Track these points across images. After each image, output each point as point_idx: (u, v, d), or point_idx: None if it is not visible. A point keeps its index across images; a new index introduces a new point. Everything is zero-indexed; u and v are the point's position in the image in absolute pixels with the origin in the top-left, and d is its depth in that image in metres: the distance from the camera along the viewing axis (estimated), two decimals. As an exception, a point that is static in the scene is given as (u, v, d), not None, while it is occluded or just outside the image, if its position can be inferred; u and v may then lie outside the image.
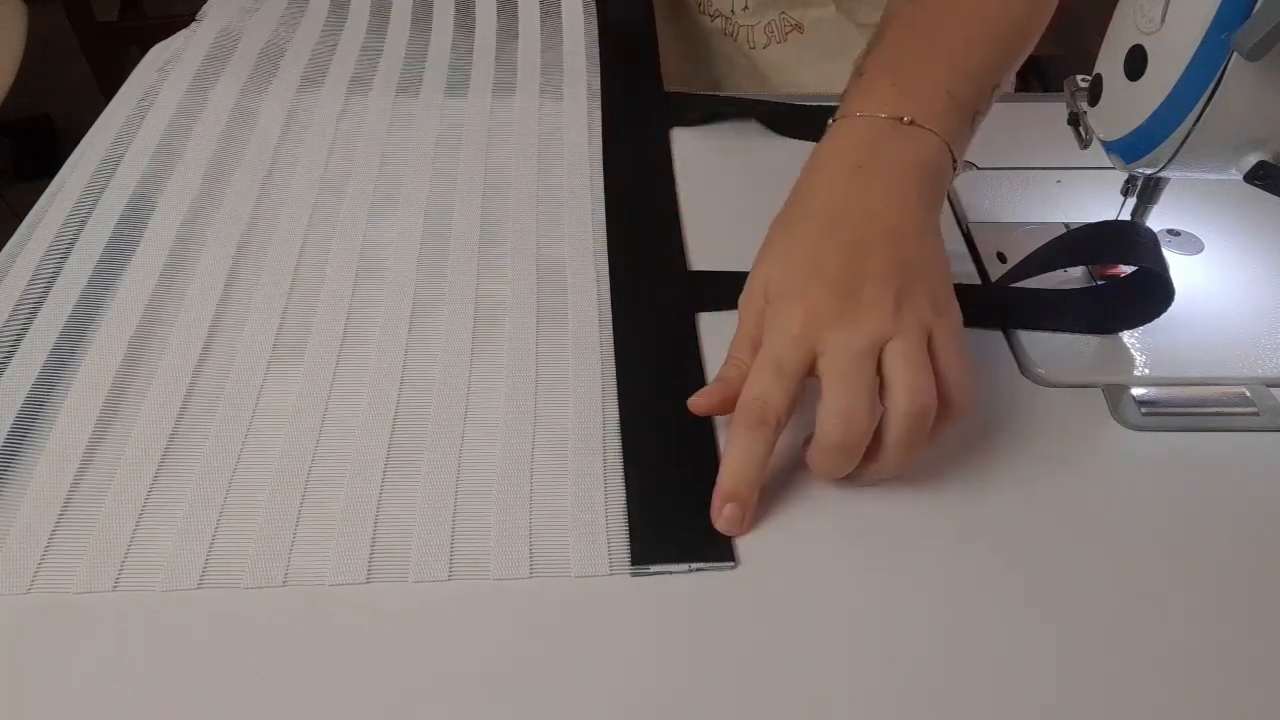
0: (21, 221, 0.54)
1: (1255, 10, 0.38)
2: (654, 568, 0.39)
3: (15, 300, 0.48)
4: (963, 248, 0.55)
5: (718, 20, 0.71)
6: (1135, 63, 0.44)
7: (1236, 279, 0.53)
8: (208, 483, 0.41)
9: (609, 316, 0.50)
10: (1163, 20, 0.42)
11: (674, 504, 0.41)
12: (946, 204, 0.58)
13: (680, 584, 0.39)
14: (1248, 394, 0.47)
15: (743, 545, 0.40)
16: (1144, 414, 0.46)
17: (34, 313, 0.48)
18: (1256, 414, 0.46)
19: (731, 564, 0.39)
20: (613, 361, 0.47)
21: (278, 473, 0.42)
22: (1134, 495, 0.43)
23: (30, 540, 0.39)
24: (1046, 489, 0.43)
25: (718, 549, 0.40)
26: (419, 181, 0.57)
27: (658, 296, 0.51)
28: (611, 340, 0.48)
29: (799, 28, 0.72)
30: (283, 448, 0.43)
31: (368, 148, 0.59)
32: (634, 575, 0.39)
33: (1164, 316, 0.50)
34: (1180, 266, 0.54)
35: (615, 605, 0.38)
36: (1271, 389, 0.47)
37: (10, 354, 0.46)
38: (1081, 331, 0.49)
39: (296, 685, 0.35)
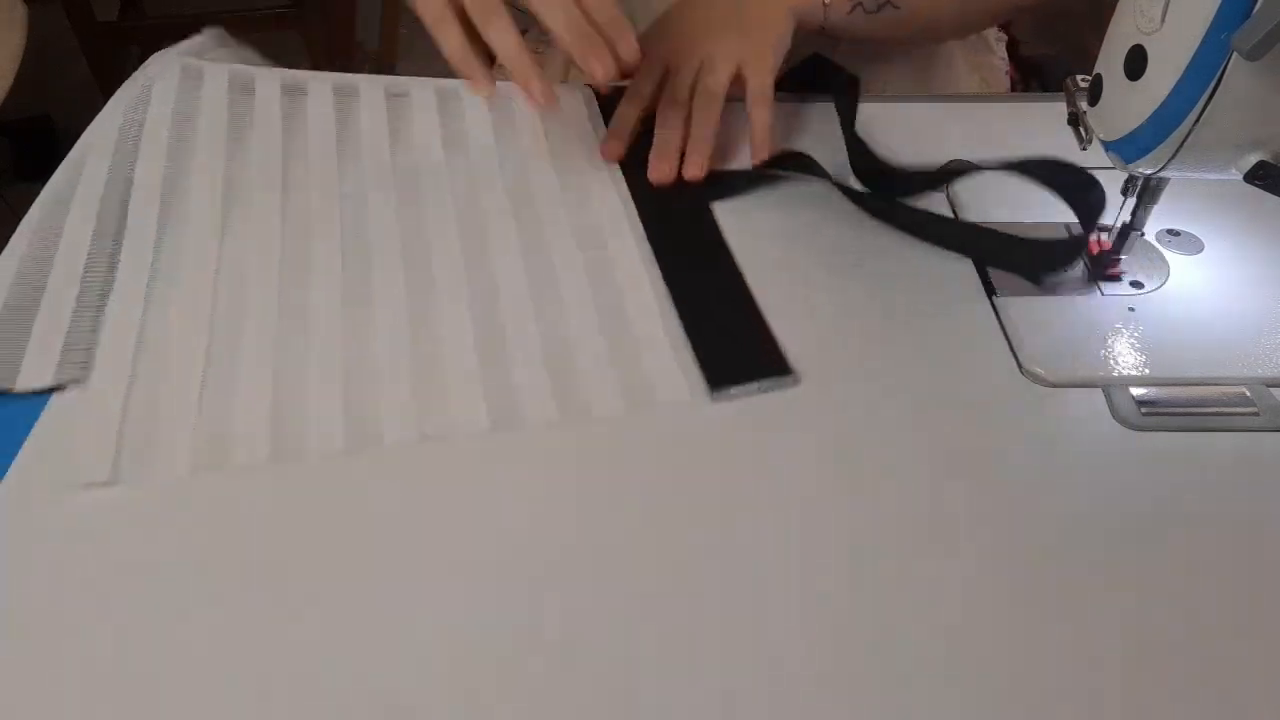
0: (21, 222, 0.54)
1: (1255, 10, 0.38)
2: (732, 390, 0.46)
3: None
4: (962, 248, 0.55)
5: None
6: (1135, 63, 0.44)
7: (1236, 279, 0.53)
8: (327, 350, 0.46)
9: (633, 207, 0.56)
10: (1163, 20, 0.42)
11: (727, 338, 0.48)
12: (946, 204, 0.58)
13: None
14: (1248, 394, 0.47)
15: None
16: (1144, 414, 0.46)
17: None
18: (1256, 414, 0.46)
19: (792, 376, 0.46)
20: (644, 234, 0.54)
21: (392, 340, 0.47)
22: (1134, 495, 0.43)
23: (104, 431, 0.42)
24: (1046, 489, 0.43)
25: (779, 368, 0.47)
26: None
27: (676, 187, 0.58)
28: (638, 216, 0.55)
29: None
30: (391, 321, 0.48)
31: None
32: (714, 400, 0.45)
33: (1165, 316, 0.50)
34: (1180, 266, 0.54)
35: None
36: (1271, 389, 0.47)
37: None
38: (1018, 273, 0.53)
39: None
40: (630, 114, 0.60)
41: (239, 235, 0.52)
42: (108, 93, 0.64)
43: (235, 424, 0.43)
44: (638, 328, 0.49)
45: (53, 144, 1.78)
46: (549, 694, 0.35)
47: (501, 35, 0.51)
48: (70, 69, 1.71)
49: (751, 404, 0.46)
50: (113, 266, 0.50)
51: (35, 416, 0.43)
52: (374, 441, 0.42)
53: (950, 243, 0.55)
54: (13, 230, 0.54)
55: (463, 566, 0.39)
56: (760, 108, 0.59)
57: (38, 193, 0.57)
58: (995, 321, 0.50)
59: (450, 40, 0.52)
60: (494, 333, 0.47)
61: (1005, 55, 0.85)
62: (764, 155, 0.58)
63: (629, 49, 0.52)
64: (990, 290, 0.52)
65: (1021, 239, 0.54)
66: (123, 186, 0.54)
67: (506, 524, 0.40)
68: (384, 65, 2.01)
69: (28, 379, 0.44)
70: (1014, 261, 0.53)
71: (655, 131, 0.59)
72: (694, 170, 0.58)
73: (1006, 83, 0.85)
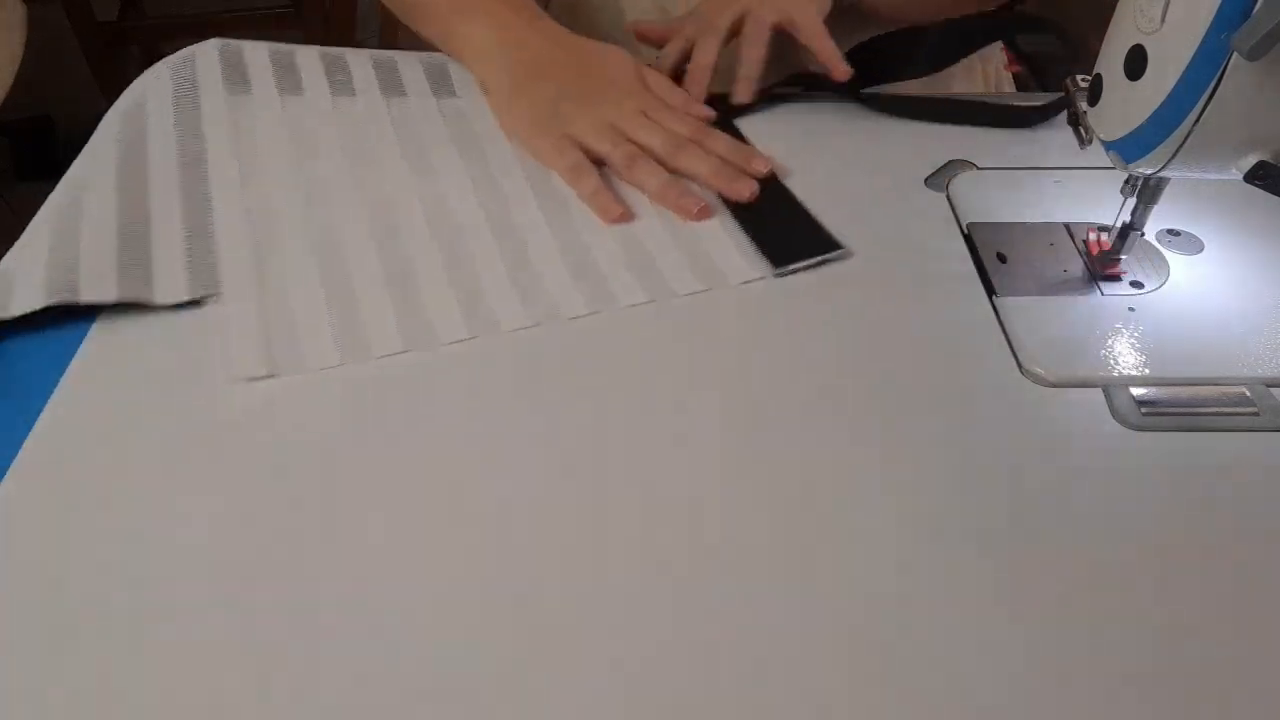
0: (21, 221, 0.54)
1: (1255, 10, 0.38)
2: (792, 266, 0.52)
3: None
4: (963, 248, 0.55)
5: None
6: (1135, 63, 0.44)
7: (1236, 279, 0.53)
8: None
9: None
10: (1163, 20, 0.42)
11: (779, 224, 0.55)
12: (947, 203, 0.58)
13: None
14: (1247, 394, 0.47)
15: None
16: (1144, 414, 0.46)
17: None
18: (1256, 414, 0.46)
19: (844, 250, 0.53)
20: None
21: (481, 240, 0.53)
22: (1134, 495, 0.43)
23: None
24: (1045, 489, 0.43)
25: (831, 244, 0.54)
26: None
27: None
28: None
29: None
30: (474, 223, 0.54)
31: None
32: (777, 276, 0.52)
33: (1165, 316, 0.50)
34: (1180, 266, 0.54)
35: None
36: (1271, 389, 0.47)
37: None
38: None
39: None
40: (671, 53, 0.67)
41: (316, 169, 0.57)
42: (108, 92, 0.64)
43: (365, 322, 0.48)
44: (698, 226, 0.56)
45: (53, 144, 1.78)
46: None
47: (650, 176, 0.58)
48: (70, 69, 1.71)
49: (751, 404, 0.46)
50: (207, 198, 0.54)
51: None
52: (493, 328, 0.49)
53: (935, 115, 0.64)
54: (13, 230, 0.54)
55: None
56: (820, 37, 0.64)
57: (38, 193, 0.57)
58: (995, 321, 0.50)
59: (589, 184, 0.57)
60: (572, 235, 0.54)
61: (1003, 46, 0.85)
62: (842, 68, 0.63)
63: (761, 163, 0.59)
64: (990, 290, 0.52)
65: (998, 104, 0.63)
66: (195, 141, 0.58)
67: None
68: (384, 65, 2.01)
69: (165, 295, 0.49)
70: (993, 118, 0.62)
71: (693, 55, 0.65)
72: (743, 95, 0.64)
73: (1008, 77, 0.85)
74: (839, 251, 0.53)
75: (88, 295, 0.47)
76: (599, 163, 0.59)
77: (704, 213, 0.56)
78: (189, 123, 0.59)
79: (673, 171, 0.58)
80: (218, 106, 0.61)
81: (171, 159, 0.57)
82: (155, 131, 0.59)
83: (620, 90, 0.62)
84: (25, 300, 0.47)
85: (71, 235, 0.50)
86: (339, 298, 0.49)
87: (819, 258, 0.53)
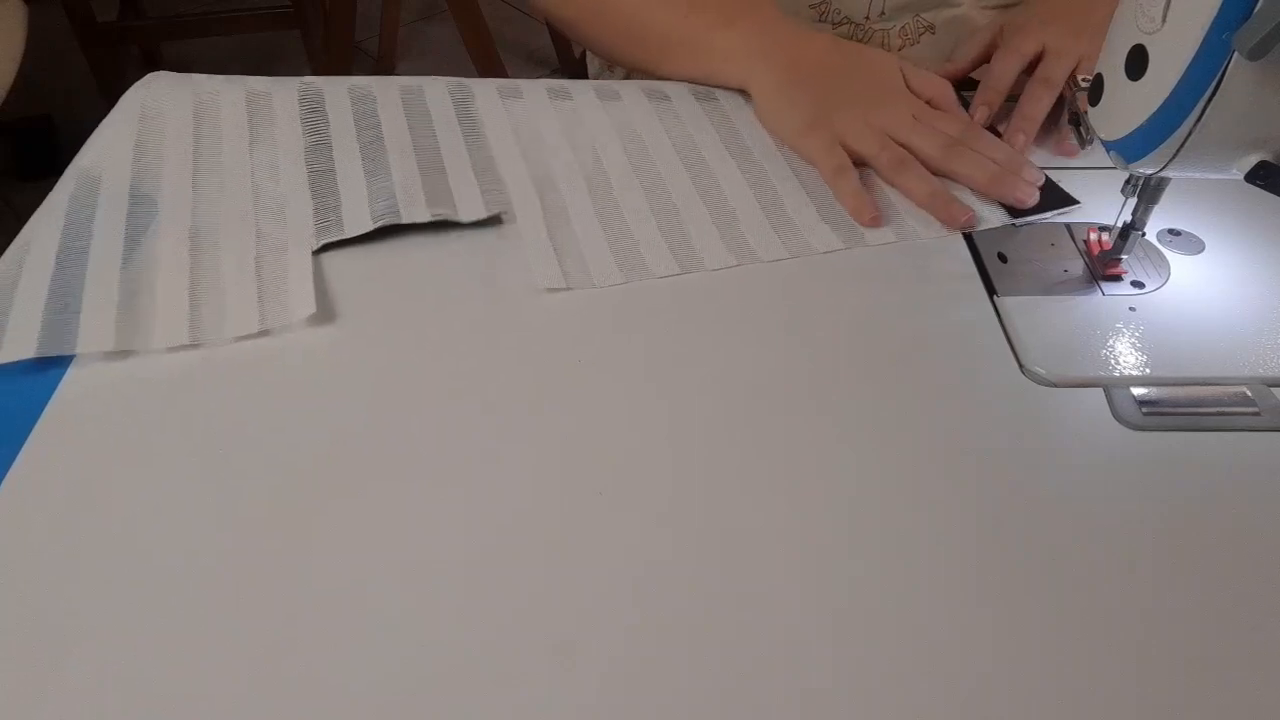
0: (20, 221, 0.54)
1: (1256, 10, 0.38)
2: (1030, 218, 0.56)
3: None
4: (964, 248, 0.55)
5: (844, 26, 0.71)
6: (1136, 62, 0.44)
7: (1237, 278, 0.53)
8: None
9: None
10: (1164, 20, 0.42)
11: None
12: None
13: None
14: (1249, 393, 0.47)
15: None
16: (1145, 414, 0.46)
17: None
18: (1257, 414, 0.46)
19: (1078, 204, 0.57)
20: None
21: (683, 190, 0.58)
22: (1135, 495, 0.43)
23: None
24: (1047, 489, 0.43)
25: (1067, 198, 0.57)
26: None
27: None
28: None
29: (931, 29, 0.72)
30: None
31: None
32: (1016, 225, 0.56)
33: (1165, 316, 0.50)
34: (1181, 266, 0.54)
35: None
36: (1272, 388, 0.47)
37: None
38: None
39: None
40: (969, 54, 0.67)
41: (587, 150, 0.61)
42: (107, 93, 0.64)
43: (640, 244, 0.54)
44: None
45: (53, 144, 1.78)
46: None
47: (919, 181, 0.57)
48: (70, 69, 1.71)
49: (746, 401, 0.46)
50: (492, 159, 0.59)
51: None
52: (699, 265, 0.53)
53: None
54: (13, 230, 0.53)
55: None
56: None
57: (38, 192, 0.57)
58: (996, 321, 0.50)
59: (849, 185, 0.57)
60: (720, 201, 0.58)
61: None
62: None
63: (1032, 173, 0.58)
64: (991, 290, 0.52)
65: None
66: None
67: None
68: (384, 65, 2.01)
69: (469, 211, 0.55)
70: None
71: (1019, 105, 0.62)
72: (1016, 141, 0.62)
73: None
74: (1074, 205, 0.57)
75: (407, 216, 0.54)
76: (862, 164, 0.59)
77: (970, 223, 0.56)
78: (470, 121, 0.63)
79: (944, 174, 0.58)
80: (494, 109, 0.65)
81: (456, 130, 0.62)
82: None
83: (887, 92, 0.61)
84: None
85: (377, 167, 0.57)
86: (614, 227, 0.55)
87: (1056, 210, 0.56)
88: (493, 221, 0.55)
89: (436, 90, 0.64)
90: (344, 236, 0.53)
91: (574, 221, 0.56)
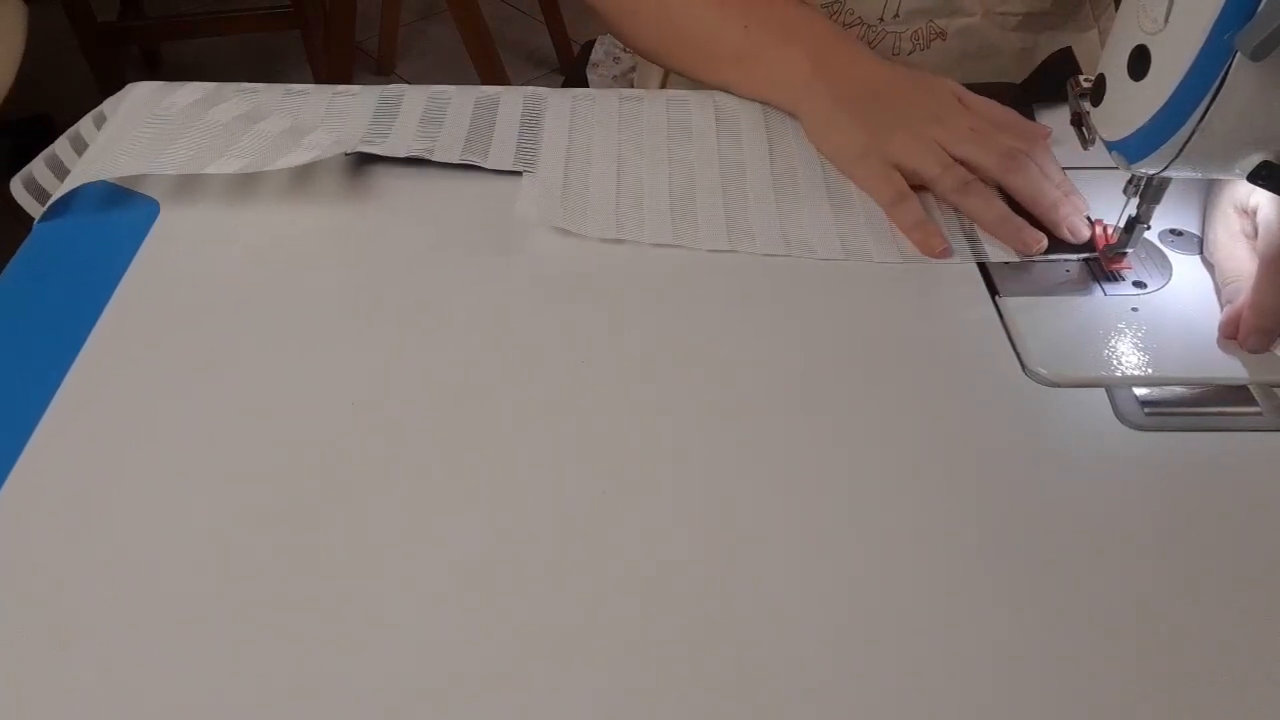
0: (21, 221, 0.54)
1: (1258, 11, 0.38)
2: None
3: None
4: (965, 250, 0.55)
5: (856, 28, 0.71)
6: (1138, 63, 0.44)
7: (1239, 279, 0.53)
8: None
9: None
10: (1166, 20, 0.42)
11: None
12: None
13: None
14: (1251, 393, 0.47)
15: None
16: (1147, 414, 0.46)
17: None
18: (1259, 414, 0.46)
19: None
20: None
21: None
22: (1137, 495, 0.43)
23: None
24: (1049, 489, 0.43)
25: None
26: None
27: None
28: None
29: (943, 35, 0.71)
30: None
31: None
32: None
33: (1168, 316, 0.50)
34: (1183, 266, 0.54)
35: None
36: (1275, 388, 0.47)
37: None
38: None
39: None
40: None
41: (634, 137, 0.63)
42: (107, 93, 0.64)
43: (644, 212, 0.56)
44: None
45: (52, 144, 1.78)
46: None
47: (985, 205, 0.55)
48: (70, 69, 1.71)
49: (745, 401, 0.46)
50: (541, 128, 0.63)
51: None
52: (749, 239, 0.55)
53: None
54: (13, 230, 0.53)
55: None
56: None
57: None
58: (998, 321, 0.50)
59: (911, 215, 0.55)
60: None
61: None
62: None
63: (1081, 201, 0.55)
64: (993, 290, 0.52)
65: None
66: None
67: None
68: (384, 65, 2.01)
69: (497, 162, 0.59)
70: None
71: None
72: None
73: None
74: (1093, 255, 0.55)
75: (440, 155, 0.58)
76: (921, 187, 0.57)
77: (1040, 248, 0.53)
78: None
79: (1005, 187, 0.56)
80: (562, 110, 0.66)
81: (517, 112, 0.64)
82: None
83: (943, 107, 0.59)
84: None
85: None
86: (629, 190, 0.58)
87: (1079, 256, 0.54)
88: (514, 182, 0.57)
89: (511, 97, 0.66)
90: (374, 150, 0.58)
91: (592, 186, 0.58)
